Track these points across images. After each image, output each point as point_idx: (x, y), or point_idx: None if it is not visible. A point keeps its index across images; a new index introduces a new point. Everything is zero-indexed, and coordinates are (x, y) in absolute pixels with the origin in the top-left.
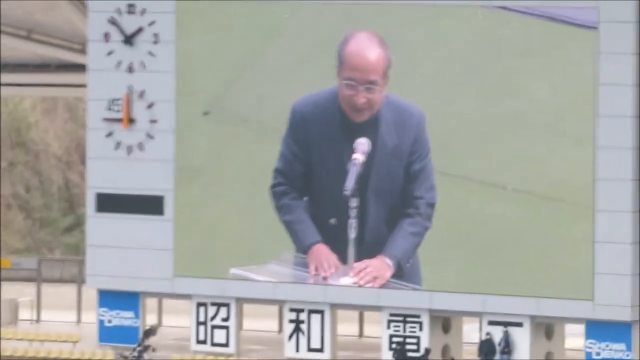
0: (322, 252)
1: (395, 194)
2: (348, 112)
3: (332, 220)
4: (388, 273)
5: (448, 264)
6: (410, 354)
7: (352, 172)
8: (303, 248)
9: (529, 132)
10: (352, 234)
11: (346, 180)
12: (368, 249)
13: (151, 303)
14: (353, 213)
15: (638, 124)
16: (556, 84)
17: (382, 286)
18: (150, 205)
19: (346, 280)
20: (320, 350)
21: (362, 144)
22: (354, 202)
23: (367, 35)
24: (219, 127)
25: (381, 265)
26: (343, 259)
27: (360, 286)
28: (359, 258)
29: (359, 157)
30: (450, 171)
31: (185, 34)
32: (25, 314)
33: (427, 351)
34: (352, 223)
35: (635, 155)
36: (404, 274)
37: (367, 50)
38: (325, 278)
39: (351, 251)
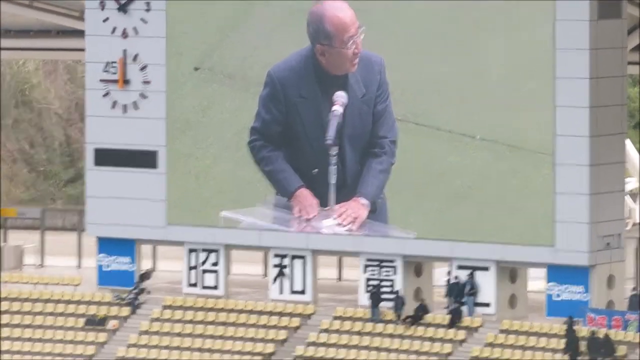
0: (305, 196)
1: (366, 137)
2: (347, 68)
3: (315, 171)
4: (365, 212)
5: (418, 211)
6: (384, 296)
7: (333, 122)
8: (287, 194)
9: (494, 90)
10: (333, 179)
11: (327, 130)
12: (347, 192)
13: (146, 249)
14: (333, 160)
15: (593, 86)
16: (517, 47)
17: (361, 226)
18: (145, 159)
19: (329, 222)
20: (302, 292)
21: (341, 97)
22: (334, 151)
23: (335, 1)
24: (206, 85)
25: (358, 206)
26: (324, 203)
27: (343, 226)
28: (338, 201)
29: (338, 108)
30: (421, 121)
31: (175, 2)
32: (29, 259)
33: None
34: (332, 169)
35: (590, 113)
36: (376, 209)
37: (346, 10)
38: (308, 220)
39: (332, 195)
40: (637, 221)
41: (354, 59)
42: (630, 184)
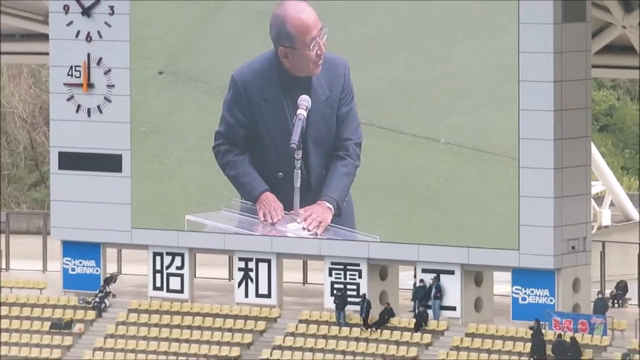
0: (270, 200)
1: (330, 140)
2: (310, 70)
3: (280, 175)
4: (330, 216)
5: (384, 215)
6: (349, 299)
7: (297, 126)
8: (252, 198)
9: (459, 93)
10: (298, 183)
11: (292, 134)
12: (311, 194)
13: (111, 253)
14: (298, 164)
15: (558, 89)
16: (482, 51)
17: (325, 231)
18: (109, 163)
19: (294, 226)
20: (268, 296)
21: (306, 101)
22: (299, 154)
23: (295, 3)
24: (170, 89)
25: (323, 210)
26: (288, 206)
27: (309, 231)
28: (303, 204)
29: (302, 112)
30: (386, 125)
31: (139, 5)
32: None
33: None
34: (297, 173)
35: (555, 117)
36: (341, 212)
37: (307, 12)
38: (273, 224)
39: (297, 199)
40: (602, 224)
41: (317, 61)
42: (596, 187)
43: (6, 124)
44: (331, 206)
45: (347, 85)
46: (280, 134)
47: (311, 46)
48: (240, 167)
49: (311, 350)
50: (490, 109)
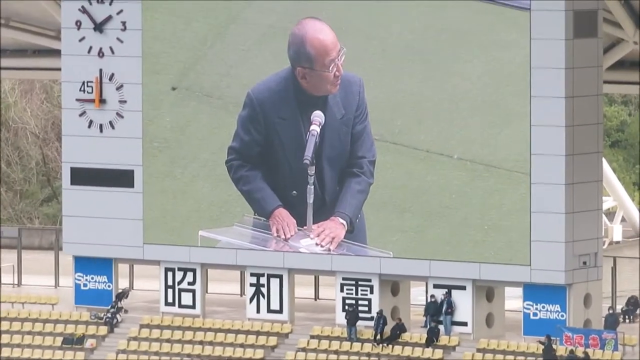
0: (283, 216)
1: (344, 157)
2: (328, 89)
3: (294, 193)
4: (343, 232)
5: (396, 230)
6: (361, 315)
7: (311, 142)
8: (265, 213)
9: (471, 109)
10: (311, 199)
11: (305, 150)
12: (324, 210)
13: (123, 268)
14: (311, 180)
15: (569, 105)
16: (494, 66)
17: (338, 247)
18: (121, 178)
19: (307, 242)
20: (279, 311)
21: (319, 116)
22: (312, 170)
23: (315, 24)
24: (183, 105)
25: (336, 226)
26: (301, 222)
27: (322, 247)
28: (316, 220)
29: (316, 128)
30: (399, 141)
31: (151, 21)
32: (7, 278)
33: (379, 314)
34: (311, 189)
35: (566, 132)
36: (354, 229)
37: (326, 32)
38: (287, 240)
39: (310, 214)
40: (614, 240)
41: (335, 82)
42: (607, 202)
43: (18, 140)
44: (344, 222)
45: (361, 103)
46: (294, 151)
47: (330, 67)
48: (253, 183)
49: None
50: (501, 124)
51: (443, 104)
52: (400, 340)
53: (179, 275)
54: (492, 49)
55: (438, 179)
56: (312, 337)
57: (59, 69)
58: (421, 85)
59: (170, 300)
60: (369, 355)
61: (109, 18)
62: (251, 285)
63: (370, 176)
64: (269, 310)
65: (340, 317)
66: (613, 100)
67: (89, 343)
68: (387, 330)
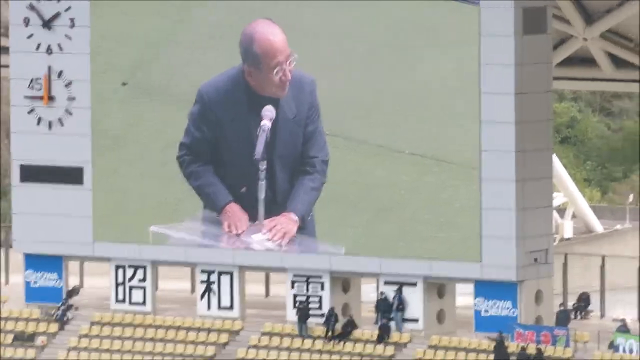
0: (235, 211)
1: (297, 157)
2: (273, 92)
3: (243, 189)
4: (295, 227)
5: (347, 226)
6: (312, 312)
7: (261, 137)
8: (216, 208)
9: (421, 105)
10: (262, 194)
11: (256, 146)
12: (276, 207)
13: (73, 265)
14: (262, 175)
15: (519, 101)
16: (444, 62)
17: (290, 242)
18: (71, 175)
19: (258, 237)
20: (230, 308)
21: (269, 111)
22: (262, 166)
23: (267, 25)
24: (132, 102)
25: (288, 222)
26: (253, 217)
27: (274, 242)
28: (268, 216)
29: (266, 122)
30: (350, 136)
31: (99, 18)
32: None
33: (331, 311)
34: (262, 185)
35: (516, 129)
36: (306, 226)
37: (277, 35)
38: (238, 235)
39: (261, 210)
40: (565, 236)
41: (281, 86)
42: (558, 199)
43: None
44: (296, 218)
45: (314, 103)
46: (245, 148)
47: (275, 71)
48: (204, 178)
49: None
50: (452, 120)
51: (394, 100)
52: (351, 337)
53: (129, 272)
54: (442, 45)
55: (389, 175)
56: (264, 334)
57: (7, 66)
58: (372, 82)
59: (120, 297)
60: (320, 352)
61: (57, 15)
62: (202, 282)
63: (323, 175)
64: (220, 307)
65: (292, 314)
66: (563, 96)
67: (40, 340)
68: (339, 327)
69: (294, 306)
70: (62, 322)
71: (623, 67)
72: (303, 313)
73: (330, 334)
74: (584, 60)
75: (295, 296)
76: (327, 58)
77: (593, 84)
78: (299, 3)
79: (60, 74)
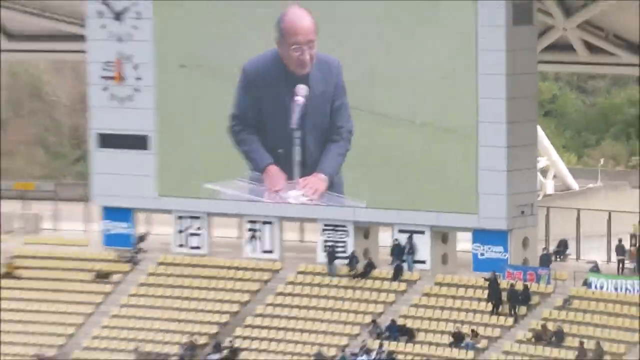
0: (274, 172)
1: (325, 126)
2: (293, 69)
3: (280, 150)
4: (324, 185)
5: (368, 184)
6: (338, 255)
7: (296, 110)
8: (259, 169)
9: (430, 85)
10: (297, 157)
11: (292, 117)
12: (308, 169)
13: (142, 216)
14: (297, 142)
15: (509, 81)
16: (448, 48)
17: (320, 197)
18: (138, 142)
19: (294, 193)
20: (271, 251)
21: (302, 89)
22: (297, 134)
23: (298, 9)
24: (189, 81)
25: (318, 181)
26: (289, 177)
27: (306, 197)
28: (301, 175)
29: (300, 98)
30: (373, 109)
31: (160, 11)
32: (46, 225)
33: (352, 254)
34: (297, 150)
35: (507, 104)
36: (334, 185)
37: (301, 20)
38: (277, 191)
39: (296, 171)
40: (547, 193)
41: (299, 64)
42: (541, 162)
43: (53, 110)
44: (325, 178)
45: (339, 82)
46: (282, 119)
47: (292, 47)
48: (250, 144)
49: (307, 296)
50: (455, 96)
51: (407, 79)
52: (370, 275)
53: (188, 222)
54: (445, 34)
55: (403, 142)
56: (298, 272)
57: (85, 52)
58: (389, 65)
59: (181, 242)
60: (345, 288)
61: (126, 9)
62: (248, 230)
63: (348, 143)
64: (263, 251)
65: (321, 257)
66: (546, 77)
67: (115, 278)
68: (360, 267)
69: (324, 250)
70: (133, 263)
71: (596, 53)
72: (331, 256)
73: (353, 272)
74: (563, 46)
75: (324, 242)
76: (352, 43)
77: (571, 67)
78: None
79: (129, 57)
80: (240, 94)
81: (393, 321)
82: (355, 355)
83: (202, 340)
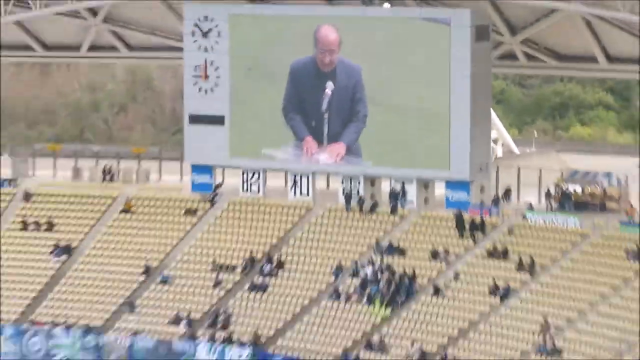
0: (310, 141)
1: (346, 110)
2: (321, 68)
3: (313, 124)
4: (344, 151)
5: (374, 150)
6: (353, 198)
7: (325, 99)
8: (300, 138)
9: (419, 83)
10: (325, 131)
11: (322, 104)
12: (334, 139)
13: (219, 171)
14: (325, 121)
15: (473, 79)
16: (433, 56)
17: (342, 159)
18: (217, 120)
19: (323, 156)
20: (307, 195)
21: (329, 87)
22: (326, 115)
23: (329, 26)
24: (254, 78)
25: (340, 147)
26: (321, 145)
27: (332, 158)
28: (329, 143)
29: (328, 92)
30: (380, 101)
31: (234, 31)
32: (153, 177)
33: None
34: (325, 126)
35: (471, 94)
36: (352, 150)
37: (329, 35)
38: (312, 154)
39: (325, 141)
40: (497, 156)
41: (326, 65)
42: (493, 134)
43: (160, 98)
44: (345, 146)
45: (359, 80)
46: (316, 104)
47: (321, 52)
48: (294, 121)
49: (331, 225)
50: (436, 90)
51: (403, 78)
52: (376, 211)
53: (250, 175)
54: (429, 47)
55: (401, 122)
56: (326, 209)
57: (182, 58)
58: (392, 68)
59: (245, 188)
60: (358, 220)
61: (210, 29)
62: (291, 179)
63: (363, 123)
64: (301, 194)
65: (341, 199)
66: (497, 77)
67: (199, 213)
68: (367, 206)
69: (343, 194)
70: (212, 202)
71: (532, 60)
72: (347, 198)
73: (362, 209)
74: (509, 55)
75: (343, 189)
76: (368, 52)
77: (514, 69)
78: (351, 18)
79: (212, 62)
80: (288, 86)
81: (390, 243)
82: (364, 265)
83: (259, 255)
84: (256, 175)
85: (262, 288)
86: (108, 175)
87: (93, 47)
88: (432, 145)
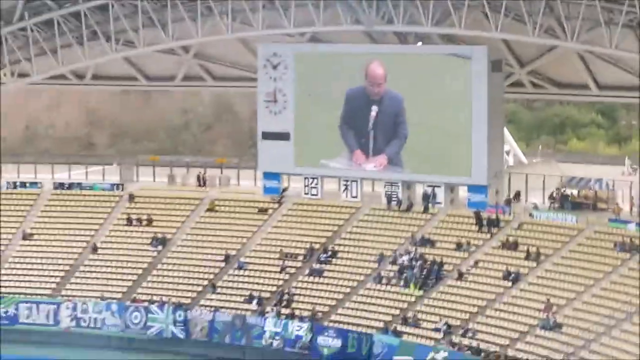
0: (359, 153)
1: (390, 130)
2: (370, 95)
3: (363, 140)
4: (386, 161)
5: (412, 160)
6: (393, 199)
7: (371, 119)
8: (351, 151)
9: (442, 108)
10: (371, 146)
11: (369, 123)
12: (377, 152)
13: (285, 177)
14: (371, 137)
15: (490, 104)
16: (453, 87)
17: (385, 168)
18: (284, 136)
19: (370, 166)
20: (356, 197)
21: (375, 109)
22: (371, 134)
23: (377, 62)
24: (317, 103)
25: (384, 159)
26: (368, 156)
27: (377, 168)
28: (374, 155)
29: (373, 114)
30: (415, 121)
31: (298, 64)
32: (232, 182)
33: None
34: (371, 142)
35: (488, 116)
36: (393, 161)
37: (377, 70)
38: (360, 164)
39: (371, 153)
40: (509, 165)
41: (376, 93)
42: (506, 147)
43: (237, 118)
44: (388, 158)
45: (400, 106)
46: (364, 123)
47: (370, 84)
48: (347, 136)
49: (376, 222)
50: (459, 112)
51: (432, 104)
52: (411, 210)
53: (311, 180)
54: (455, 77)
55: (433, 139)
56: (371, 208)
57: (256, 87)
58: (427, 95)
59: (306, 192)
60: (398, 217)
61: (279, 63)
62: (343, 184)
63: (404, 139)
64: (352, 197)
65: (384, 200)
66: (509, 101)
67: (270, 211)
68: (404, 206)
69: (385, 196)
70: (280, 203)
71: (537, 87)
72: (389, 199)
73: (400, 208)
74: (519, 84)
75: (385, 192)
76: (406, 82)
77: (523, 95)
78: (392, 55)
79: (280, 90)
80: (344, 108)
81: (423, 236)
82: (401, 254)
83: (317, 246)
84: (315, 181)
85: (319, 273)
86: (202, 181)
87: (185, 78)
88: (456, 156)
